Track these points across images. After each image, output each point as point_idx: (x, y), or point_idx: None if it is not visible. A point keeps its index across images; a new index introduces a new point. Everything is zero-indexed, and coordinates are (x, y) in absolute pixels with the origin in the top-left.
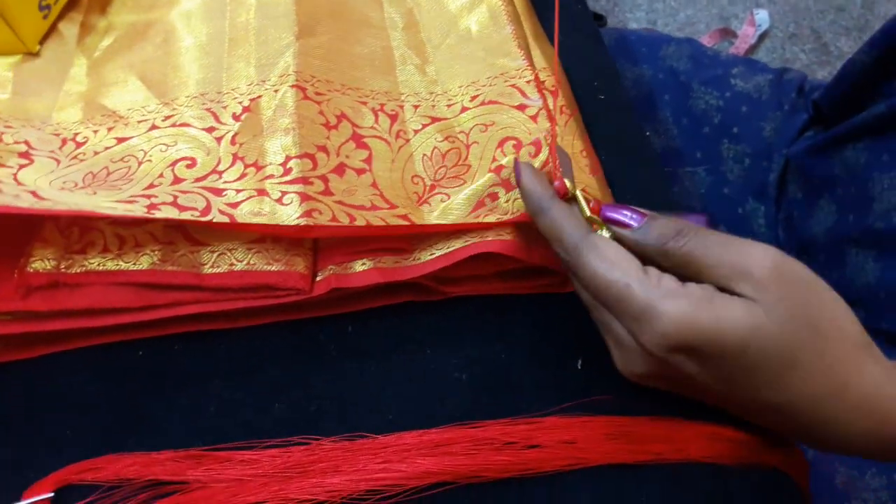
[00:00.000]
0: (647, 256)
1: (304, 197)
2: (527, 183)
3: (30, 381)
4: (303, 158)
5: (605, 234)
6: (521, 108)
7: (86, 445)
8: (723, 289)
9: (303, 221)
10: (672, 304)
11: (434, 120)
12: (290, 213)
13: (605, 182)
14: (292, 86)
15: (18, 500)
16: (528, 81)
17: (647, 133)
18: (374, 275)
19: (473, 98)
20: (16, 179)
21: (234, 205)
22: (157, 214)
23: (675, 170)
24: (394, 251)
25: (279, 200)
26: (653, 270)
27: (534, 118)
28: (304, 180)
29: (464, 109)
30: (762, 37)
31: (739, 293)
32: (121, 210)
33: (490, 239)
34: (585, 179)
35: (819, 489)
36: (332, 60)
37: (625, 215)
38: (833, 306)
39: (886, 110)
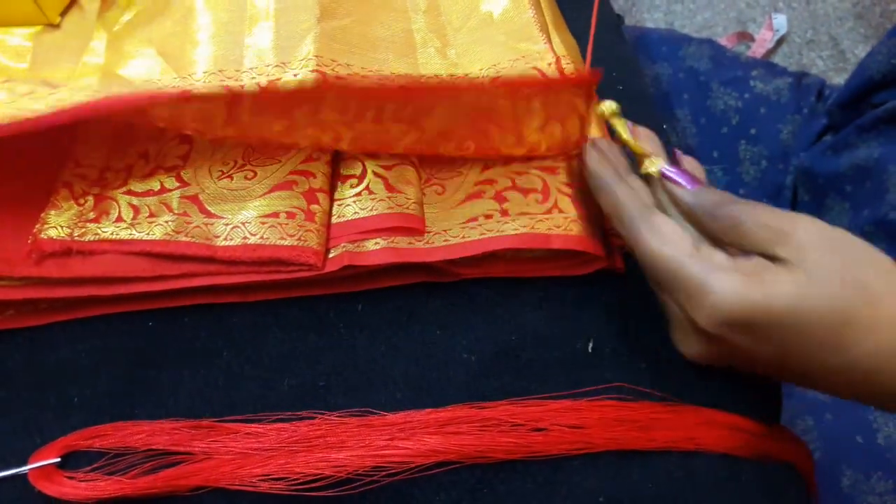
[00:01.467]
0: (694, 219)
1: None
2: (592, 164)
3: (38, 348)
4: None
5: (653, 168)
6: None
7: (92, 413)
8: (766, 254)
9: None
10: (723, 280)
11: None
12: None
13: None
14: (312, 70)
15: (25, 464)
16: (549, 64)
17: (664, 126)
18: (387, 254)
19: (493, 81)
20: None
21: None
22: (193, 90)
23: None
24: (408, 232)
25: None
26: (705, 247)
27: None
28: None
29: None
30: (779, 42)
31: (783, 257)
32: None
33: (507, 234)
34: None
35: (825, 491)
36: (352, 43)
37: (683, 177)
38: (883, 264)
39: None
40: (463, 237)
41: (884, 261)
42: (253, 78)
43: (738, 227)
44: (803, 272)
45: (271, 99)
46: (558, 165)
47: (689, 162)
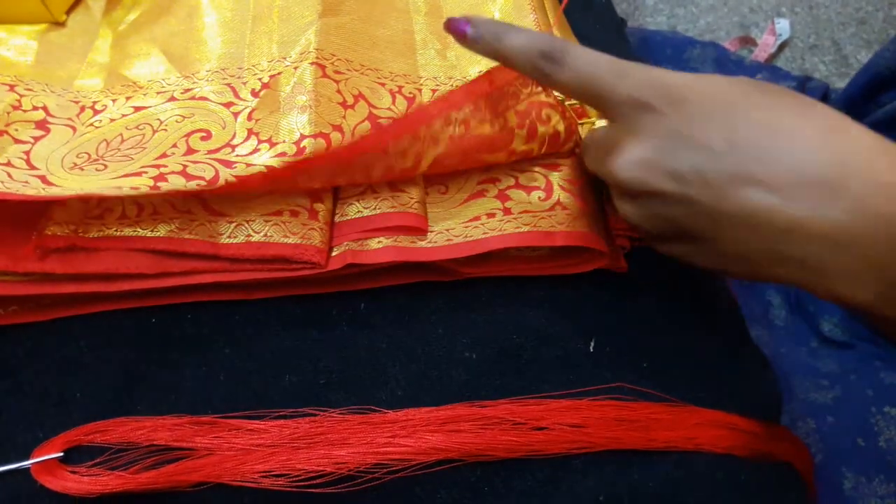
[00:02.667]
0: (529, 68)
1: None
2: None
3: (41, 343)
4: (317, 138)
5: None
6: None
7: (94, 408)
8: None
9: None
10: (652, 69)
11: None
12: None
13: None
14: (312, 63)
15: (27, 458)
16: None
17: None
18: (390, 253)
19: None
20: (28, 160)
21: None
22: (164, 186)
23: None
24: (411, 231)
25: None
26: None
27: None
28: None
29: None
30: (782, 46)
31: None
32: (126, 189)
33: (510, 233)
34: None
35: (826, 494)
36: (353, 40)
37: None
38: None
39: None
40: (466, 236)
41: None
42: (255, 74)
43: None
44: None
45: (247, 180)
46: (560, 162)
47: None
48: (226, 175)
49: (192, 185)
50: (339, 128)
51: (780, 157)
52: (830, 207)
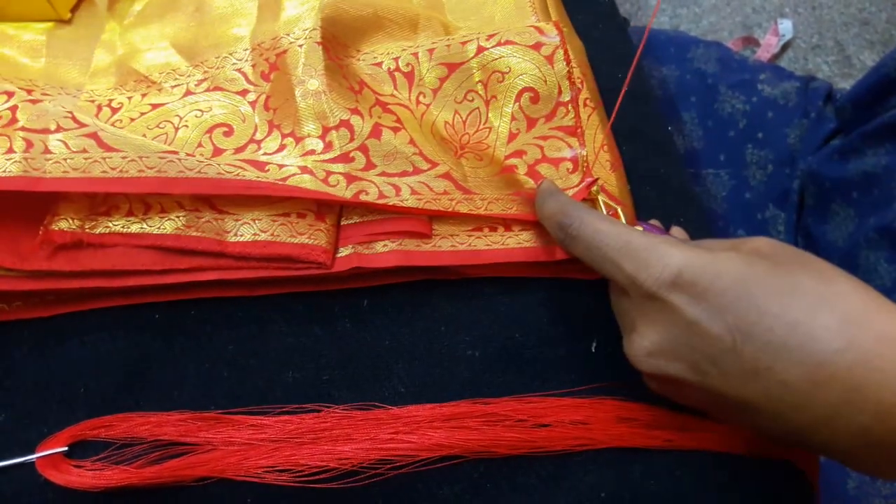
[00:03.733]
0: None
1: (350, 178)
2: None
3: (46, 339)
4: (339, 129)
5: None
6: (537, 46)
7: (98, 404)
8: None
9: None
10: (671, 244)
11: (450, 68)
12: (340, 195)
13: (625, 178)
14: (318, 42)
15: (31, 453)
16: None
17: (670, 128)
18: (395, 256)
19: (490, 38)
20: (73, 117)
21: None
22: (223, 177)
23: (698, 171)
24: (415, 236)
25: (325, 181)
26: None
27: (549, 59)
28: (346, 157)
29: (480, 49)
30: (785, 47)
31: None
32: (184, 168)
33: (512, 247)
34: (605, 175)
35: (830, 494)
36: (355, 19)
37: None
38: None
39: None
40: (470, 245)
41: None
42: (262, 55)
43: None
44: (750, 252)
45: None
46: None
47: (676, 231)
48: (256, 179)
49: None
50: (356, 111)
51: (800, 357)
52: (856, 412)
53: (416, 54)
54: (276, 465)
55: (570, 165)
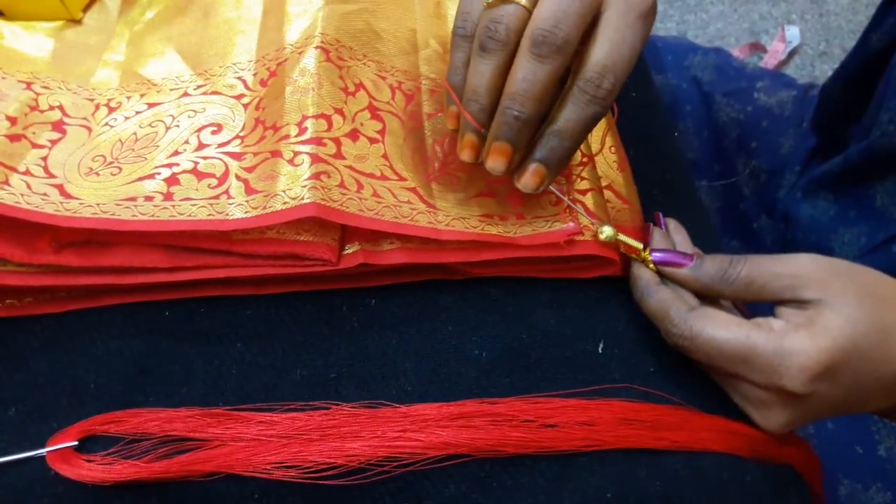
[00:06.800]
0: (705, 290)
1: (315, 158)
2: (635, 271)
3: (56, 334)
4: (318, 119)
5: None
6: None
7: (107, 400)
8: (792, 300)
9: (310, 184)
10: (795, 342)
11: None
12: (299, 174)
13: (632, 178)
14: (316, 47)
15: (43, 447)
16: None
17: (676, 134)
18: (401, 254)
19: None
20: (46, 167)
21: (251, 168)
22: (177, 192)
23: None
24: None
25: (291, 161)
26: (760, 319)
27: None
28: (318, 140)
29: None
30: (792, 53)
31: (810, 298)
32: (140, 201)
33: (519, 240)
34: (613, 176)
35: None
36: (358, 28)
37: (677, 257)
38: (880, 275)
39: (843, 163)
40: (482, 229)
41: (877, 272)
42: (265, 65)
43: (752, 286)
44: (837, 305)
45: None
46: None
47: (673, 225)
48: (234, 169)
49: (202, 213)
50: (340, 111)
51: None
52: None
53: (418, 88)
54: (285, 462)
55: (552, 198)
